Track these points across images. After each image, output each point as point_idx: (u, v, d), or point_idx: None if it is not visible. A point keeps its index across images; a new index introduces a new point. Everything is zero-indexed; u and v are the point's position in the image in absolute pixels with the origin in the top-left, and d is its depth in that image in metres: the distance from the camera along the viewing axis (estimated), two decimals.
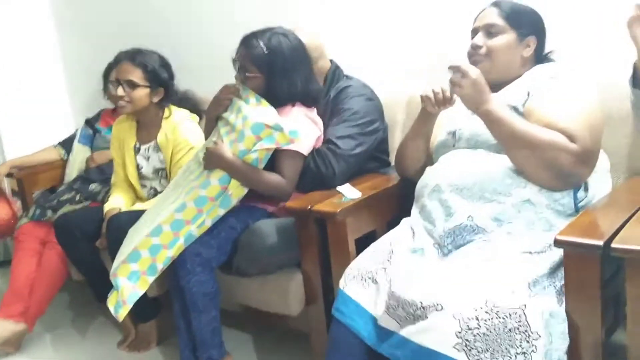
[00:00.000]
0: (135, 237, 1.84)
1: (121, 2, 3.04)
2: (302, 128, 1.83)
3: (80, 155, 2.66)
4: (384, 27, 2.22)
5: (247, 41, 1.85)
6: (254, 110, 1.79)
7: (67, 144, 2.75)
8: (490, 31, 1.63)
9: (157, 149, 2.22)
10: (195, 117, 2.29)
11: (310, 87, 1.90)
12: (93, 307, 1.98)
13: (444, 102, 1.55)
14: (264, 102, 1.81)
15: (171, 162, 2.18)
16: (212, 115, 1.92)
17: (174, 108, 2.26)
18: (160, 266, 1.78)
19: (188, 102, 2.35)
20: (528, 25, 1.63)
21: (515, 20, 1.62)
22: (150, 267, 1.78)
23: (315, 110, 1.92)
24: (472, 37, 1.68)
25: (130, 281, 1.78)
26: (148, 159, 2.25)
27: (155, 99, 2.21)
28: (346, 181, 1.86)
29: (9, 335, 2.20)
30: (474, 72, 1.45)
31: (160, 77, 2.21)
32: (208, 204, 1.79)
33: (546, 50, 1.69)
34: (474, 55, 1.65)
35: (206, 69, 2.72)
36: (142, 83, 2.17)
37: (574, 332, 1.23)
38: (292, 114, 1.85)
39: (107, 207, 2.21)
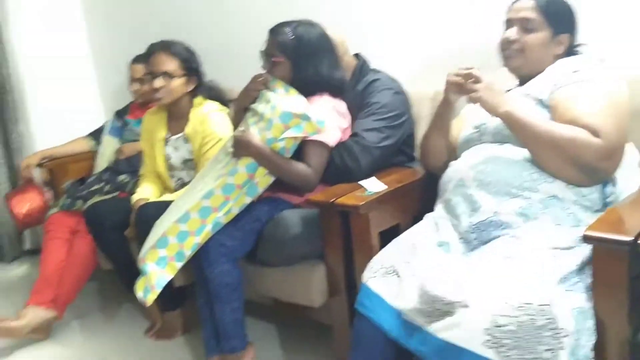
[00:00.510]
0: (163, 225, 1.86)
1: None
2: (329, 119, 1.83)
3: (109, 146, 2.71)
4: (411, 21, 2.20)
5: (275, 29, 1.89)
6: (282, 100, 1.80)
7: (96, 136, 2.80)
8: (526, 26, 1.60)
9: (186, 139, 2.25)
10: (225, 109, 2.30)
11: (336, 75, 1.90)
12: (121, 295, 2.02)
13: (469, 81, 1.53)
14: (293, 91, 1.83)
15: (199, 153, 2.20)
16: (241, 106, 1.94)
17: (203, 99, 2.28)
18: (188, 252, 1.80)
19: (214, 92, 2.36)
20: (563, 21, 1.61)
21: (552, 15, 1.59)
22: (178, 253, 1.80)
23: (342, 102, 1.92)
24: (506, 28, 1.65)
25: (159, 266, 1.81)
26: (177, 149, 2.28)
27: (190, 88, 2.25)
28: (372, 174, 1.85)
29: (40, 322, 2.25)
30: (484, 78, 1.45)
31: (193, 66, 2.26)
32: (235, 191, 1.80)
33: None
34: (507, 49, 1.63)
35: (229, 60, 2.73)
36: (179, 72, 2.21)
37: (600, 329, 1.22)
38: (319, 105, 1.85)
39: (135, 197, 2.24)
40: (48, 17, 3.22)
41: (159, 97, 2.22)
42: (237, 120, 1.96)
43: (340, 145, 1.88)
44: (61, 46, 3.26)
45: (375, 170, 1.88)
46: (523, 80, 1.62)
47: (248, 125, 1.85)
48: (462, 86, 1.54)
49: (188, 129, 2.23)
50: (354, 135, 1.90)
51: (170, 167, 2.30)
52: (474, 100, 1.49)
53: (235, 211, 1.81)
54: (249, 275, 1.89)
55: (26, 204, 2.62)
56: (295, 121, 1.77)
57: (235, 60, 2.58)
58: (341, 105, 1.91)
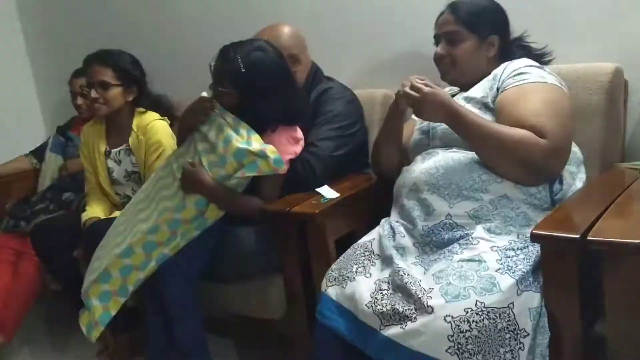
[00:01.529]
0: (105, 253, 1.80)
1: (89, 8, 3.00)
2: (285, 151, 1.79)
3: (52, 164, 2.62)
4: (359, 25, 2.21)
5: (225, 54, 1.78)
6: (235, 134, 1.74)
7: (39, 153, 2.71)
8: (451, 39, 1.66)
9: (129, 152, 2.20)
10: (166, 120, 2.26)
11: (292, 107, 1.83)
12: (71, 317, 1.96)
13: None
14: (244, 125, 1.76)
15: (145, 164, 2.15)
16: (186, 125, 1.86)
17: (144, 110, 2.24)
18: (131, 288, 1.74)
19: (161, 106, 2.32)
20: (488, 25, 1.66)
21: (474, 23, 1.65)
22: (122, 288, 1.75)
23: (296, 127, 1.86)
24: (435, 43, 1.72)
25: (102, 302, 1.75)
26: (119, 162, 2.23)
27: (130, 98, 2.20)
28: (326, 183, 1.84)
29: None
30: (427, 88, 1.47)
31: (131, 74, 2.21)
32: (182, 226, 1.74)
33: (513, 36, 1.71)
34: (440, 64, 1.69)
35: (179, 73, 2.70)
36: (115, 82, 2.16)
37: (554, 325, 1.24)
38: (274, 141, 1.78)
39: (84, 216, 2.17)
40: None
41: (97, 108, 2.16)
42: (180, 139, 1.90)
43: (299, 157, 1.85)
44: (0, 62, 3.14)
45: (330, 179, 1.87)
46: (465, 87, 1.66)
47: (197, 151, 1.79)
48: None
49: (132, 140, 2.18)
50: (308, 144, 1.89)
51: (114, 182, 2.24)
52: (416, 114, 1.53)
53: (183, 244, 1.74)
54: (206, 292, 1.84)
55: None
56: (250, 159, 1.72)
57: (189, 76, 2.54)
58: (295, 132, 1.85)
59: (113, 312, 1.76)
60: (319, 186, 1.82)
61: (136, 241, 1.73)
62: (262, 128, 1.79)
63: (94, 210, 2.19)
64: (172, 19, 2.74)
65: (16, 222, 2.37)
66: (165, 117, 2.26)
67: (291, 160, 1.82)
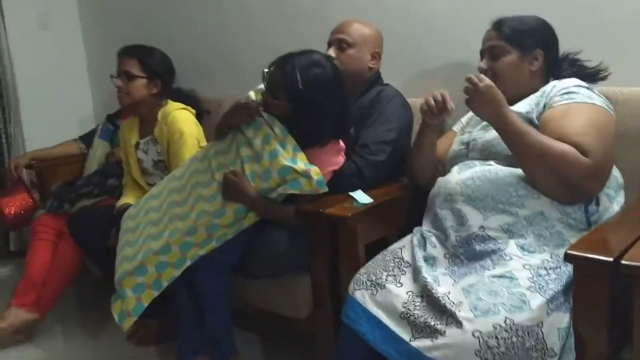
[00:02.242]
0: (137, 241, 1.84)
1: (144, 4, 3.08)
2: (329, 163, 1.81)
3: (100, 150, 2.70)
4: (401, 34, 2.22)
5: (284, 66, 1.75)
6: (282, 149, 1.74)
7: (87, 139, 2.80)
8: (493, 53, 1.67)
9: (155, 141, 2.28)
10: (190, 110, 2.32)
11: (343, 124, 1.84)
12: (105, 301, 2.01)
13: (440, 110, 1.57)
14: (291, 140, 1.76)
15: (169, 153, 2.21)
16: (228, 124, 1.86)
17: (169, 102, 2.31)
18: (165, 283, 1.77)
19: (190, 100, 2.40)
20: (532, 39, 1.66)
21: (517, 38, 1.65)
22: (155, 282, 1.77)
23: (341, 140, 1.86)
24: (481, 60, 1.72)
25: (135, 293, 1.78)
26: (146, 152, 2.31)
27: (153, 91, 2.28)
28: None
29: (21, 324, 2.24)
30: (484, 83, 1.46)
31: (155, 68, 2.30)
32: (220, 230, 1.77)
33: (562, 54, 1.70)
34: None
35: (225, 72, 2.76)
36: (139, 74, 2.25)
37: (580, 347, 1.23)
38: (320, 154, 1.79)
39: (118, 203, 2.25)
40: (44, 19, 3.22)
41: (120, 97, 2.27)
42: (219, 134, 1.90)
43: (348, 162, 1.86)
44: (56, 48, 3.27)
45: (376, 184, 1.88)
46: (510, 102, 1.65)
47: (240, 158, 1.80)
48: (432, 111, 1.57)
49: (156, 130, 2.26)
50: (362, 146, 1.89)
51: (144, 172, 2.31)
52: (468, 104, 1.50)
53: (217, 245, 1.76)
54: (235, 285, 1.88)
55: (15, 204, 2.60)
56: (293, 176, 1.72)
57: (230, 75, 2.60)
58: (339, 144, 1.86)
59: (146, 304, 1.78)
60: (365, 189, 1.82)
61: (174, 241, 1.76)
62: (312, 143, 1.79)
63: (127, 198, 2.26)
64: (222, 19, 2.79)
65: (60, 203, 2.44)
66: (189, 107, 2.32)
67: (334, 170, 1.83)
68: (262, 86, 1.83)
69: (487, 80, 1.47)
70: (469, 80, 1.48)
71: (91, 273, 2.41)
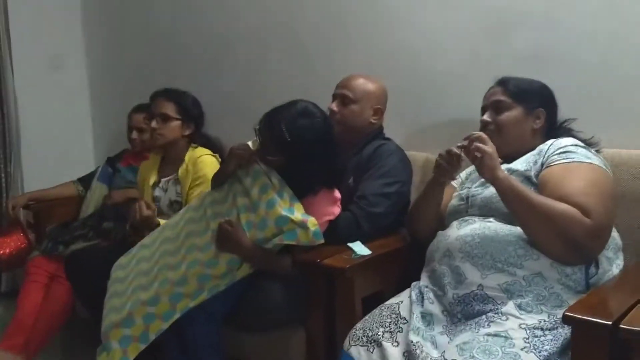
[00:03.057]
0: (127, 292, 1.81)
1: (152, 46, 3.14)
2: (325, 212, 1.81)
3: (97, 192, 2.71)
4: (402, 90, 2.25)
5: (270, 122, 1.77)
6: (279, 199, 1.74)
7: (85, 181, 2.81)
8: (497, 107, 1.69)
9: (177, 181, 2.30)
10: (217, 158, 2.36)
11: (335, 170, 1.85)
12: (95, 345, 1.97)
13: (453, 165, 1.57)
14: (288, 190, 1.76)
15: (187, 195, 2.23)
16: (227, 170, 1.87)
17: (199, 147, 2.36)
18: (152, 336, 1.72)
19: (213, 146, 2.43)
20: (535, 99, 1.69)
21: (521, 95, 1.68)
22: (143, 335, 1.72)
23: (335, 188, 1.87)
24: (482, 114, 1.74)
25: (122, 346, 1.72)
26: (166, 191, 2.32)
27: (186, 132, 2.34)
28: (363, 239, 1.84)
29: None
30: (492, 147, 1.48)
31: (191, 112, 2.37)
32: (212, 282, 1.73)
33: (560, 120, 1.73)
34: (484, 130, 1.69)
35: (231, 117, 2.78)
36: (175, 116, 2.31)
37: None
38: (315, 203, 1.80)
39: None
40: (53, 61, 3.27)
41: (155, 138, 2.31)
42: (217, 181, 1.90)
43: (345, 213, 1.86)
44: (61, 91, 3.31)
45: (373, 236, 1.87)
46: (506, 159, 1.67)
47: (237, 208, 1.79)
48: (448, 166, 1.57)
49: (181, 170, 2.29)
50: (360, 197, 1.90)
51: (159, 212, 2.31)
52: (477, 159, 1.49)
53: (208, 297, 1.72)
54: (227, 337, 1.83)
55: (10, 245, 2.59)
56: (290, 226, 1.71)
57: (236, 118, 2.63)
58: (334, 192, 1.86)
59: (131, 358, 1.73)
60: (362, 240, 1.81)
61: (164, 291, 1.73)
62: (305, 191, 1.79)
63: None
64: (232, 64, 2.84)
65: (55, 245, 2.43)
66: (217, 155, 2.36)
67: (329, 221, 1.83)
68: (255, 138, 1.84)
69: (491, 144, 1.49)
70: (479, 137, 1.49)
71: (78, 314, 2.37)
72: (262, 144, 1.79)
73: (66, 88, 3.34)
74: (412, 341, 1.38)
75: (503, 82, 1.72)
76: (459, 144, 1.53)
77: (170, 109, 2.32)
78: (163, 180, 2.34)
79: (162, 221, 2.22)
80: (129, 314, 1.74)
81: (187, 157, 2.31)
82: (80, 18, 3.40)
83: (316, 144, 1.76)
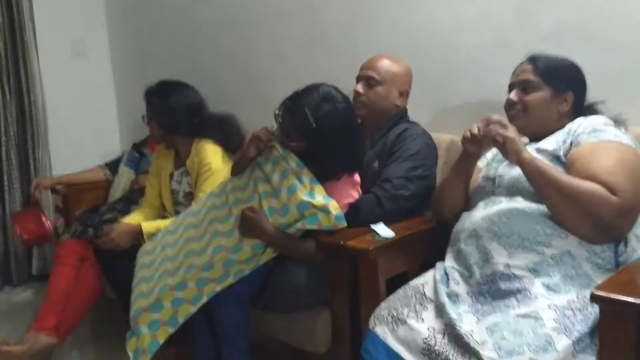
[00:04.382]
0: (153, 277, 1.84)
1: (176, 35, 3.16)
2: (345, 195, 1.81)
3: (125, 177, 2.75)
4: (427, 70, 2.24)
5: (293, 108, 1.75)
6: (300, 184, 1.74)
7: (113, 166, 2.85)
8: (525, 87, 1.66)
9: (187, 173, 2.32)
10: (219, 145, 2.37)
11: (357, 156, 1.84)
12: (122, 326, 2.02)
13: (482, 143, 1.56)
14: (307, 173, 1.76)
15: (196, 185, 2.25)
16: (247, 156, 1.86)
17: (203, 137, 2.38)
18: (181, 320, 1.75)
19: (225, 128, 2.43)
20: (565, 80, 1.65)
21: (551, 76, 1.64)
22: (171, 319, 1.75)
23: (356, 173, 1.88)
24: (509, 92, 1.72)
25: (151, 330, 1.76)
26: (180, 183, 2.36)
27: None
28: (386, 221, 1.83)
29: (41, 348, 2.24)
30: (513, 132, 1.48)
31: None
32: (236, 266, 1.75)
33: (589, 101, 1.70)
34: (510, 109, 1.69)
35: (251, 102, 2.81)
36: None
37: None
38: (336, 187, 1.80)
39: (124, 220, 2.29)
40: (76, 47, 3.31)
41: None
42: (239, 168, 1.92)
43: (367, 196, 1.86)
44: (86, 76, 3.35)
45: (396, 217, 1.86)
46: (532, 139, 1.65)
47: (258, 194, 1.80)
48: (481, 137, 1.54)
49: (189, 161, 2.32)
50: (384, 180, 1.89)
51: (176, 202, 2.34)
52: (499, 143, 1.49)
53: (234, 281, 1.75)
54: (253, 318, 1.86)
55: (27, 225, 2.65)
56: (312, 211, 1.71)
57: (258, 104, 2.64)
58: (355, 177, 1.87)
59: (161, 341, 1.76)
60: (384, 221, 1.81)
61: (190, 276, 1.75)
62: (327, 176, 1.79)
63: (134, 219, 2.30)
64: (253, 47, 2.85)
65: (84, 228, 2.47)
66: (218, 146, 2.36)
67: (349, 204, 1.83)
68: (274, 124, 1.84)
69: (513, 126, 1.48)
70: (499, 121, 1.48)
71: (105, 294, 2.42)
72: (284, 130, 1.78)
73: (91, 73, 3.39)
74: (449, 314, 1.38)
75: (534, 60, 1.68)
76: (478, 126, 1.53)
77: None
78: (176, 173, 2.38)
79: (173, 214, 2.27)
80: (157, 299, 1.77)
81: (193, 147, 2.34)
82: (103, 4, 3.43)
83: (340, 129, 1.75)
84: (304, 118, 1.71)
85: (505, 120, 1.50)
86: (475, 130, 1.55)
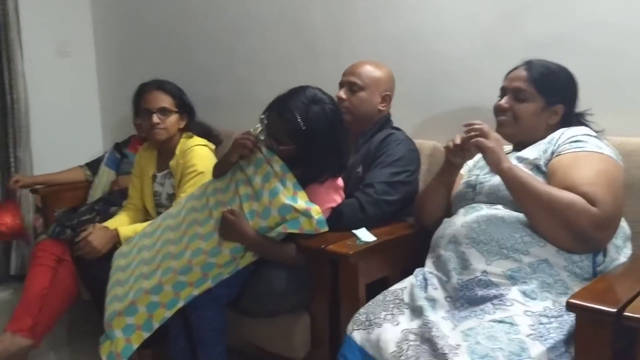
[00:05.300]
0: (129, 280, 1.81)
1: (160, 35, 3.14)
2: (328, 200, 1.80)
3: (105, 177, 2.73)
4: (411, 76, 2.24)
5: (281, 111, 1.73)
6: (282, 187, 1.73)
7: (93, 166, 2.82)
8: (518, 96, 1.65)
9: (170, 174, 2.29)
10: (211, 146, 2.34)
11: (343, 161, 1.84)
12: (98, 328, 2.00)
13: (458, 152, 1.56)
14: (291, 177, 1.75)
15: (179, 187, 2.22)
16: (229, 159, 1.85)
17: (191, 135, 2.35)
18: (156, 324, 1.72)
19: (204, 130, 2.43)
20: (557, 93, 1.65)
21: (545, 88, 1.63)
22: (146, 323, 1.72)
23: (339, 177, 1.87)
24: (500, 95, 1.71)
25: (125, 334, 1.73)
26: (163, 185, 2.32)
27: (182, 125, 2.33)
28: (368, 226, 1.82)
29: (16, 350, 2.20)
30: (494, 136, 1.48)
31: (186, 102, 2.34)
32: (215, 269, 1.73)
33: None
34: (500, 115, 1.68)
35: (233, 103, 2.80)
36: (173, 109, 2.29)
37: None
38: (320, 191, 1.79)
39: (107, 224, 2.25)
40: (61, 47, 3.28)
41: (158, 133, 2.27)
42: (220, 170, 1.90)
43: (350, 200, 1.86)
44: (70, 76, 3.32)
45: (377, 222, 1.85)
46: (516, 146, 1.65)
47: (239, 197, 1.78)
48: (463, 146, 1.54)
49: (172, 162, 2.28)
50: (367, 185, 1.89)
51: (158, 204, 2.32)
52: (481, 149, 1.48)
53: (212, 285, 1.72)
54: (231, 322, 1.84)
55: (3, 217, 2.63)
56: (293, 215, 1.70)
57: (244, 108, 2.64)
58: (338, 182, 1.86)
59: (135, 346, 1.73)
60: (366, 226, 1.80)
61: (166, 280, 1.73)
62: (312, 179, 1.79)
63: (119, 221, 2.27)
64: (240, 50, 2.83)
65: (62, 229, 2.43)
66: (209, 144, 2.35)
67: (332, 208, 1.82)
68: (258, 125, 1.81)
69: (495, 134, 1.48)
70: (480, 129, 1.48)
71: (81, 296, 2.39)
72: (272, 134, 1.77)
73: (75, 73, 3.35)
74: (427, 317, 1.38)
75: (529, 67, 1.66)
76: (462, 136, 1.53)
77: (168, 102, 2.30)
78: (159, 174, 2.34)
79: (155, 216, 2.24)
80: (131, 302, 1.74)
81: (178, 149, 2.30)
82: (89, 4, 3.40)
83: (329, 130, 1.75)
84: (294, 121, 1.71)
85: (486, 127, 1.50)
86: (458, 141, 1.55)
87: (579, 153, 1.50)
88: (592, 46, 1.89)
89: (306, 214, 1.71)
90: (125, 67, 3.32)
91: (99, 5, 3.38)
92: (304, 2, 2.57)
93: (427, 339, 1.33)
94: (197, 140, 2.33)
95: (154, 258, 1.81)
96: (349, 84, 2.05)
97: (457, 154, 1.58)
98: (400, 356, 1.33)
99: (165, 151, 2.35)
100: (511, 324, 1.30)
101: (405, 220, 1.96)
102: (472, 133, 1.49)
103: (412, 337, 1.36)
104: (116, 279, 1.87)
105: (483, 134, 1.48)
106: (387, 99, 2.08)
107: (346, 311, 1.64)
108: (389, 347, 1.37)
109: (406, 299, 1.50)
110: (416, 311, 1.44)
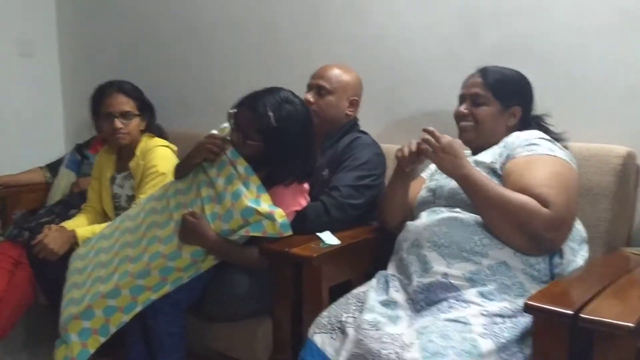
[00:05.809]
0: (86, 284, 1.77)
1: (124, 36, 3.11)
2: (292, 203, 1.78)
3: (65, 179, 2.66)
4: (376, 80, 2.24)
5: (254, 106, 1.72)
6: (245, 189, 1.70)
7: (53, 168, 2.76)
8: (476, 101, 1.69)
9: (130, 176, 2.25)
10: (173, 147, 2.31)
11: (309, 163, 1.82)
12: (56, 332, 1.96)
13: (412, 158, 1.57)
14: (256, 180, 1.73)
15: (139, 188, 2.18)
16: (191, 161, 1.81)
17: (152, 136, 2.31)
18: (113, 329, 1.69)
19: (162, 131, 2.40)
20: (512, 95, 1.69)
21: (500, 91, 1.67)
22: (103, 327, 1.69)
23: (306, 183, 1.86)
24: (460, 102, 1.74)
25: (81, 339, 1.69)
26: (122, 187, 2.28)
27: (142, 127, 2.29)
28: (333, 229, 1.82)
29: None
30: (446, 139, 1.49)
31: (146, 103, 2.31)
32: (174, 273, 1.70)
33: (535, 113, 1.73)
34: (462, 121, 1.71)
35: (200, 105, 2.77)
36: (135, 112, 2.26)
37: None
38: (285, 197, 1.77)
39: (64, 224, 2.20)
40: (23, 46, 3.20)
41: (121, 137, 2.23)
42: (182, 171, 1.85)
43: (315, 203, 1.85)
44: (32, 76, 3.25)
45: (342, 225, 1.85)
46: (476, 150, 1.68)
47: (201, 199, 1.75)
48: (412, 156, 1.56)
49: (132, 164, 2.23)
50: (332, 188, 1.89)
51: (117, 207, 2.27)
52: (430, 157, 1.51)
53: (171, 289, 1.69)
54: (192, 327, 1.82)
55: None
56: (256, 218, 1.68)
57: (209, 110, 2.64)
58: (304, 185, 1.84)
59: (92, 350, 1.69)
60: (330, 229, 1.80)
61: (123, 283, 1.69)
62: (278, 180, 1.77)
63: (77, 222, 2.22)
64: (206, 52, 2.81)
65: (20, 231, 2.37)
66: (171, 145, 2.31)
67: (297, 211, 1.81)
68: (226, 125, 1.79)
69: (447, 137, 1.50)
70: (431, 133, 1.50)
71: (38, 299, 2.33)
72: (241, 129, 1.74)
73: (37, 74, 3.28)
74: (365, 320, 1.38)
75: (484, 73, 1.71)
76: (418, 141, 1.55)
77: (130, 105, 2.27)
78: (119, 176, 2.30)
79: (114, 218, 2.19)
80: (88, 306, 1.70)
81: (138, 150, 2.25)
82: (54, 3, 3.34)
83: (300, 131, 1.74)
84: (265, 117, 1.69)
85: (437, 134, 1.51)
86: (414, 148, 1.56)
87: (533, 156, 1.53)
88: (549, 54, 1.92)
89: (269, 217, 1.69)
90: (89, 68, 3.26)
91: (64, 6, 3.32)
92: (270, 4, 2.56)
93: (376, 338, 1.34)
94: (158, 141, 2.30)
95: (112, 261, 1.78)
96: (317, 87, 2.05)
97: (408, 162, 1.59)
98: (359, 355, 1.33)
99: (125, 152, 2.31)
100: (465, 323, 1.32)
101: (370, 224, 1.96)
102: (424, 145, 1.51)
103: (368, 331, 1.36)
104: (73, 282, 1.82)
105: (436, 137, 1.49)
106: (354, 103, 2.09)
107: (309, 314, 1.63)
108: (348, 349, 1.37)
109: (367, 301, 1.50)
110: (369, 309, 1.44)
